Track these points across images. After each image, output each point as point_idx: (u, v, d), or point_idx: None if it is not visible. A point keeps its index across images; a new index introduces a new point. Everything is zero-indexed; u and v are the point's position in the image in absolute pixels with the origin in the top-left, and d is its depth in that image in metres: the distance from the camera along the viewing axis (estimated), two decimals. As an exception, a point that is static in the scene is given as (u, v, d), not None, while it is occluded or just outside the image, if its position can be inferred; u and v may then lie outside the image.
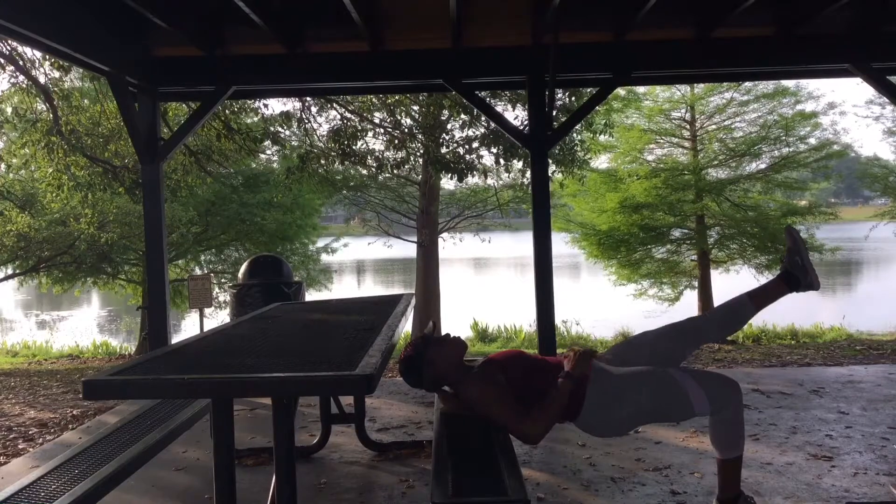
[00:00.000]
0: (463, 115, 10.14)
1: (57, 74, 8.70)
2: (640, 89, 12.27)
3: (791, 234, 2.92)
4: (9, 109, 9.47)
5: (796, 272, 2.84)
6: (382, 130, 10.96)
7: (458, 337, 2.90)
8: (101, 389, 2.02)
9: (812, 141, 11.97)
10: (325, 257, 16.74)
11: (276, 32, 5.48)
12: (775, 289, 2.89)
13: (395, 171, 11.51)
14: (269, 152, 13.69)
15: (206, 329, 5.55)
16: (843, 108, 46.71)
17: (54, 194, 9.83)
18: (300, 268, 14.15)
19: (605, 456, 3.94)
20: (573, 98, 9.18)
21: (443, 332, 2.99)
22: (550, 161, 9.40)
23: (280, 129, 11.23)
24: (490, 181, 12.95)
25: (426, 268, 13.53)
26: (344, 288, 25.13)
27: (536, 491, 3.47)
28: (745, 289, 2.97)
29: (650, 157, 12.63)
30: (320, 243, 16.44)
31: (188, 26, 5.42)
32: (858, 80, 6.06)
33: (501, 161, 10.17)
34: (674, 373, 2.69)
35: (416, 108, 11.52)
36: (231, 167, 12.13)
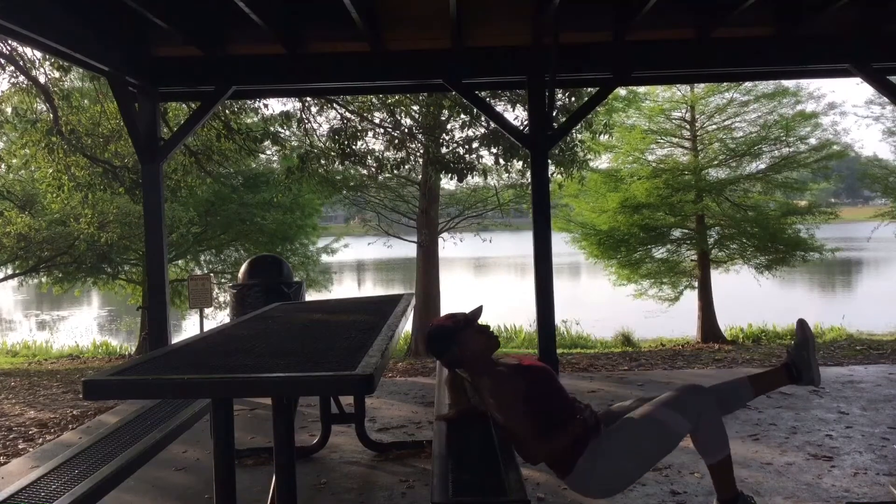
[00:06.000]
0: (463, 115, 10.14)
1: (57, 74, 8.71)
2: (641, 89, 12.27)
3: (802, 328, 2.90)
4: (9, 109, 9.48)
5: (800, 366, 2.83)
6: (382, 130, 10.95)
7: (497, 336, 2.90)
8: (101, 389, 2.01)
9: (812, 141, 11.98)
10: (325, 258, 16.74)
11: (276, 32, 5.48)
12: (776, 378, 2.89)
13: (395, 172, 11.50)
14: (269, 152, 13.69)
15: (206, 329, 5.55)
16: (843, 108, 46.66)
17: (54, 194, 9.84)
18: (300, 268, 14.16)
19: (605, 456, 3.93)
20: (573, 98, 9.17)
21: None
22: (550, 162, 9.39)
23: (280, 129, 11.23)
24: (490, 181, 12.95)
25: (426, 268, 13.52)
26: (344, 288, 25.14)
27: (536, 491, 3.47)
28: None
29: (651, 158, 12.63)
30: (320, 244, 16.45)
31: (188, 26, 5.42)
32: (858, 80, 6.06)
33: (501, 161, 10.16)
34: (651, 413, 2.65)
35: (416, 108, 11.51)
36: (231, 167, 12.13)
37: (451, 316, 2.87)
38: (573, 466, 2.64)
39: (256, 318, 3.51)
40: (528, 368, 2.80)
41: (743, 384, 2.87)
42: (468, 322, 2.83)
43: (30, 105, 9.40)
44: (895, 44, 5.80)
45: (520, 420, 2.62)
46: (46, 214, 11.96)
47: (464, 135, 10.86)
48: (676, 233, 12.52)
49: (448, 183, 13.96)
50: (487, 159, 11.08)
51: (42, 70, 8.74)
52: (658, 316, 13.11)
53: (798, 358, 2.84)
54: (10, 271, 13.07)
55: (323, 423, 4.16)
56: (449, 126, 11.39)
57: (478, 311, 2.91)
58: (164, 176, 6.82)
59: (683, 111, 12.54)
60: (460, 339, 2.78)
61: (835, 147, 12.05)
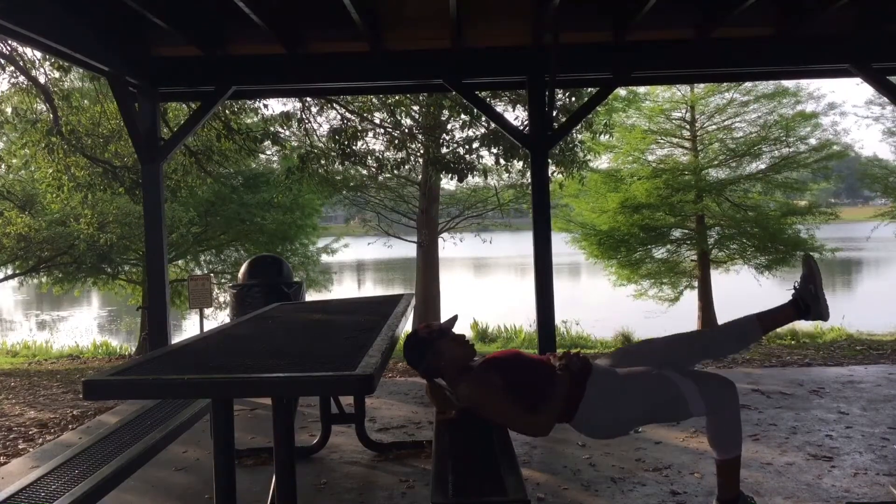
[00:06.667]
0: (463, 116, 10.15)
1: (57, 74, 8.71)
2: (641, 89, 12.28)
3: (808, 263, 2.91)
4: (9, 109, 9.48)
5: (808, 300, 2.84)
6: (382, 130, 10.96)
7: (473, 344, 2.91)
8: (101, 389, 2.02)
9: (812, 141, 11.99)
10: (325, 258, 16.74)
11: (276, 32, 5.48)
12: (784, 314, 2.91)
13: (395, 172, 11.51)
14: (269, 152, 13.69)
15: (206, 329, 5.55)
16: (843, 108, 46.67)
17: (54, 195, 9.83)
18: (300, 268, 14.16)
19: (605, 456, 3.94)
20: (573, 98, 9.18)
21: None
22: (550, 162, 9.39)
23: (280, 129, 11.23)
24: (490, 181, 12.96)
25: (426, 268, 13.53)
26: (344, 288, 25.14)
27: (536, 491, 3.47)
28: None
29: (651, 158, 12.64)
30: (320, 244, 16.44)
31: (188, 26, 5.42)
32: (858, 80, 6.06)
33: (501, 161, 10.18)
34: (670, 374, 2.69)
35: (416, 108, 11.52)
36: (231, 167, 12.13)
37: (427, 326, 2.89)
38: (576, 409, 2.67)
39: (256, 318, 3.52)
40: (495, 360, 2.83)
41: (751, 322, 2.91)
42: (443, 332, 2.84)
43: (30, 105, 9.40)
44: (895, 44, 5.80)
45: (510, 410, 2.64)
46: (46, 214, 11.95)
47: (464, 135, 10.88)
48: (676, 233, 12.52)
49: (448, 183, 13.99)
50: (487, 159, 11.10)
51: (42, 70, 8.74)
52: (658, 316, 13.09)
53: (805, 292, 2.86)
54: (10, 271, 13.07)
55: (323, 423, 4.16)
56: (449, 126, 11.41)
57: (452, 321, 2.94)
58: (164, 176, 6.82)
59: (683, 111, 12.55)
60: (436, 348, 2.79)
61: (835, 147, 12.06)
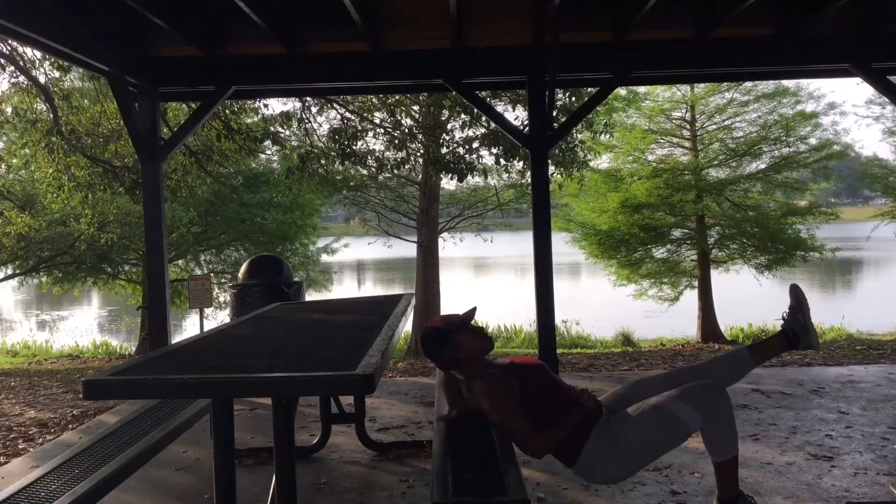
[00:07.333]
0: (463, 116, 10.14)
1: (57, 74, 8.71)
2: (641, 89, 12.27)
3: (795, 293, 2.91)
4: (9, 109, 9.48)
5: (797, 331, 2.84)
6: (382, 130, 10.95)
7: (490, 336, 2.90)
8: (101, 389, 2.02)
9: (812, 141, 11.99)
10: (325, 258, 16.74)
11: (276, 32, 5.48)
12: (775, 345, 2.91)
13: (395, 172, 11.49)
14: (269, 152, 13.69)
15: (206, 329, 5.55)
16: (843, 108, 46.66)
17: (55, 195, 9.84)
18: (300, 268, 14.16)
19: (605, 456, 3.93)
20: (573, 98, 9.17)
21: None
22: (550, 162, 9.39)
23: (280, 129, 11.22)
24: (490, 181, 12.94)
25: (426, 268, 13.52)
26: (344, 288, 25.14)
27: (536, 491, 3.47)
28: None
29: (651, 158, 12.64)
30: (320, 243, 16.44)
31: (188, 26, 5.42)
32: (858, 80, 6.06)
33: (501, 161, 10.16)
34: (665, 404, 2.67)
35: (416, 108, 11.51)
36: (231, 167, 12.13)
37: (446, 318, 2.88)
38: (579, 454, 2.65)
39: (256, 318, 3.52)
40: (519, 367, 2.81)
41: (742, 355, 2.91)
42: (462, 324, 2.83)
43: (30, 105, 9.40)
44: (895, 44, 5.80)
45: (517, 419, 2.62)
46: (46, 214, 11.96)
47: (464, 135, 10.85)
48: (676, 233, 12.52)
49: (448, 183, 13.95)
50: (487, 159, 11.07)
51: (42, 70, 8.74)
52: (658, 316, 13.11)
53: (794, 323, 2.86)
54: (10, 271, 13.07)
55: (323, 423, 4.16)
56: (449, 126, 11.39)
57: (471, 313, 2.91)
58: (164, 176, 6.82)
59: (683, 111, 12.55)
60: (455, 341, 2.78)
61: (835, 147, 12.06)
